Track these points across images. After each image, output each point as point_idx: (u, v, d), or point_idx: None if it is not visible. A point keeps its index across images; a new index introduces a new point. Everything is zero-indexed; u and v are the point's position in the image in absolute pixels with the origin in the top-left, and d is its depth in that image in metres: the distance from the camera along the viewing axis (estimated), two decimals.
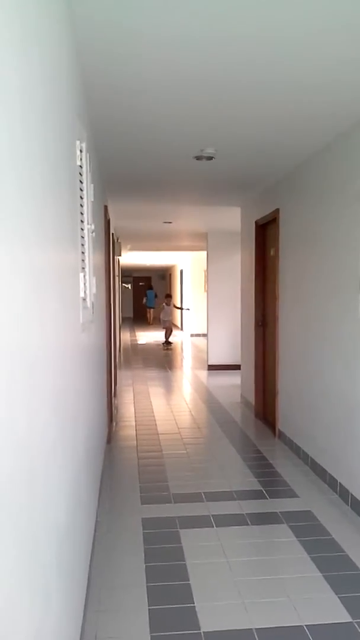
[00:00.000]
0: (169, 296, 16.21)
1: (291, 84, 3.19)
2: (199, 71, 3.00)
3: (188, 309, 16.59)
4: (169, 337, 15.63)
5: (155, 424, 6.52)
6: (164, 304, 15.86)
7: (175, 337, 15.71)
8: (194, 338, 17.75)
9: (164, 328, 15.80)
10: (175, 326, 15.87)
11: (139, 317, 29.49)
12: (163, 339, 15.94)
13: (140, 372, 10.75)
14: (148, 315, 26.38)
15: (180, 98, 3.41)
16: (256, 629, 2.59)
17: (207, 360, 10.97)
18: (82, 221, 2.79)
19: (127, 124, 3.94)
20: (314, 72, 3.02)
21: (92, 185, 3.38)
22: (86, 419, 2.99)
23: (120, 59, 2.84)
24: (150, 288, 25.70)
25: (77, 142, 2.64)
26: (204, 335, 13.98)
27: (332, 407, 4.35)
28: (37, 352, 1.45)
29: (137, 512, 3.92)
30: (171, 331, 15.58)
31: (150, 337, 18.96)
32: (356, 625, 2.61)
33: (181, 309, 17.13)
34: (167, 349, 14.86)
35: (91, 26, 2.49)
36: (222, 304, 10.73)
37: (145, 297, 24.92)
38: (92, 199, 3.38)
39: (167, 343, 15.42)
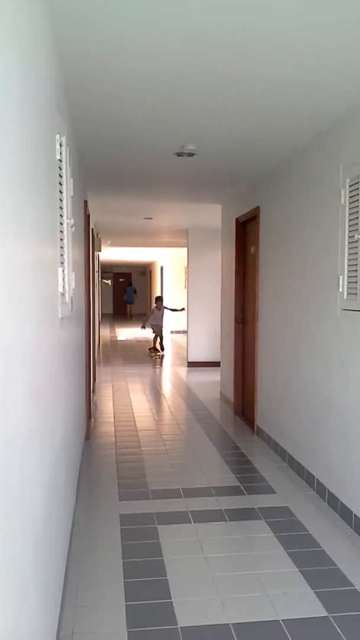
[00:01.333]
0: (159, 299, 13.57)
1: (274, 81, 3.19)
2: (182, 64, 2.98)
3: (183, 309, 13.03)
4: (158, 342, 13.47)
5: (134, 421, 6.51)
6: (154, 307, 13.47)
7: (164, 351, 13.39)
8: (174, 335, 17.75)
9: (153, 332, 13.53)
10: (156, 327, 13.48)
11: (119, 313, 29.54)
12: (151, 343, 13.86)
13: (119, 369, 10.72)
14: (127, 310, 28.27)
15: (162, 92, 3.39)
16: (233, 624, 2.60)
17: (187, 357, 10.98)
18: (61, 215, 2.77)
19: (107, 118, 3.91)
20: (297, 70, 3.02)
21: (71, 179, 3.35)
22: (64, 415, 2.97)
23: (101, 49, 2.80)
24: (130, 284, 28.17)
25: (57, 136, 2.62)
26: (184, 332, 12.82)
27: (309, 404, 4.39)
28: (13, 345, 1.43)
29: (115, 508, 3.92)
30: (161, 337, 13.41)
31: (129, 333, 18.92)
32: (332, 620, 2.64)
33: (175, 310, 13.82)
34: (155, 356, 12.94)
35: (71, 13, 2.46)
36: (202, 301, 10.75)
37: (125, 293, 27.51)
38: (72, 194, 3.36)
39: (155, 349, 13.39)
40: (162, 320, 13.28)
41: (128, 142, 4.53)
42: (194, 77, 3.15)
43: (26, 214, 1.66)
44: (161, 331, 13.33)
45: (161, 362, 12.08)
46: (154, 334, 13.46)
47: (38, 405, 1.90)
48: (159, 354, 13.14)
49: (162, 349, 13.40)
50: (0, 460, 1.25)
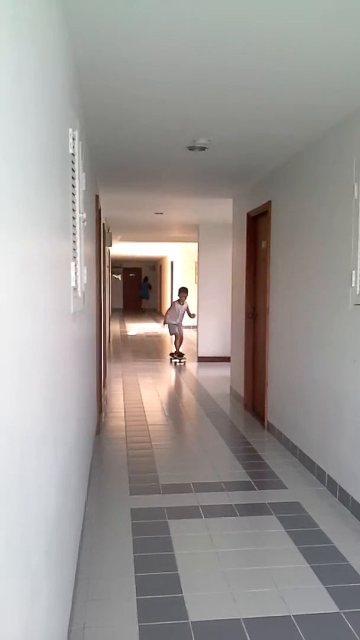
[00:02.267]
0: (183, 291, 10.94)
1: (287, 73, 3.17)
2: (194, 57, 2.96)
3: (194, 315, 11.02)
4: (179, 346, 10.96)
5: (145, 415, 6.52)
6: (176, 301, 10.98)
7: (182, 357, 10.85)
8: (184, 330, 17.71)
9: (172, 334, 11.11)
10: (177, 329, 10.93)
11: (129, 308, 29.64)
12: (173, 348, 11.18)
13: (129, 364, 10.73)
14: (142, 304, 29.84)
15: (175, 86, 3.38)
16: (244, 619, 2.60)
17: (197, 352, 10.96)
18: (73, 210, 2.76)
19: (119, 113, 3.90)
20: (311, 61, 3.00)
21: (83, 174, 3.35)
22: (76, 410, 2.98)
23: (113, 42, 2.79)
24: (146, 280, 29.96)
25: (70, 130, 2.61)
26: (194, 327, 11.51)
27: (320, 399, 4.37)
28: (29, 340, 1.43)
29: (125, 503, 3.92)
30: (181, 340, 10.93)
31: (140, 328, 18.94)
32: (343, 616, 2.63)
33: (191, 315, 11.00)
34: (180, 363, 10.64)
35: (83, 7, 2.44)
36: (212, 296, 10.72)
37: (140, 288, 29.68)
38: (84, 188, 3.36)
39: (179, 354, 10.82)
40: (181, 318, 10.85)
41: (139, 136, 4.52)
42: (206, 69, 3.13)
43: (41, 208, 1.66)
44: (180, 332, 10.92)
45: (175, 363, 10.71)
46: (172, 335, 11.17)
47: (52, 402, 1.91)
48: (182, 360, 10.75)
49: (179, 355, 10.87)
50: (16, 460, 1.26)
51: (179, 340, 10.92)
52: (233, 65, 3.05)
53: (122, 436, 5.64)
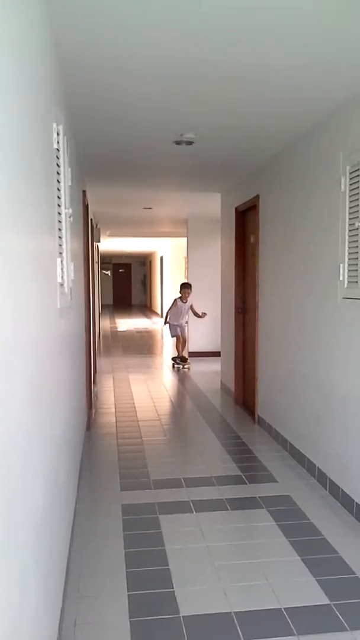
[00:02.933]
0: (186, 286, 9.79)
1: (273, 66, 3.15)
2: (181, 49, 2.92)
3: (205, 314, 9.86)
4: (183, 349, 9.87)
5: (135, 411, 6.51)
6: (177, 299, 9.77)
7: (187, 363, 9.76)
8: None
9: (173, 336, 10.00)
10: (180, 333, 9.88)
11: (119, 304, 29.63)
12: (174, 352, 10.09)
13: (120, 359, 10.71)
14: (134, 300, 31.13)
15: (161, 78, 3.35)
16: (235, 612, 2.61)
17: (188, 347, 10.95)
18: (59, 205, 2.74)
19: (105, 107, 3.87)
20: (297, 54, 2.98)
21: (69, 169, 3.32)
22: (65, 406, 2.96)
23: (98, 34, 2.75)
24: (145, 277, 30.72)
25: (54, 125, 2.59)
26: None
27: (310, 393, 4.38)
28: (10, 335, 1.42)
29: (116, 499, 3.92)
30: (184, 342, 9.89)
31: (130, 324, 18.92)
32: (334, 608, 2.64)
33: (197, 315, 9.81)
34: (184, 368, 9.52)
35: None
36: (202, 291, 10.68)
37: (142, 284, 30.90)
38: (70, 184, 3.33)
39: (182, 359, 9.71)
40: (185, 318, 9.80)
41: (126, 131, 4.49)
42: (192, 61, 3.10)
43: (23, 203, 1.64)
44: (184, 334, 9.86)
45: (178, 369, 9.59)
46: (173, 337, 10.07)
47: (38, 398, 1.89)
48: (187, 365, 9.63)
49: (183, 359, 9.74)
50: (0, 454, 1.24)
51: (181, 342, 9.80)
52: (220, 57, 3.02)
53: (112, 432, 5.63)
